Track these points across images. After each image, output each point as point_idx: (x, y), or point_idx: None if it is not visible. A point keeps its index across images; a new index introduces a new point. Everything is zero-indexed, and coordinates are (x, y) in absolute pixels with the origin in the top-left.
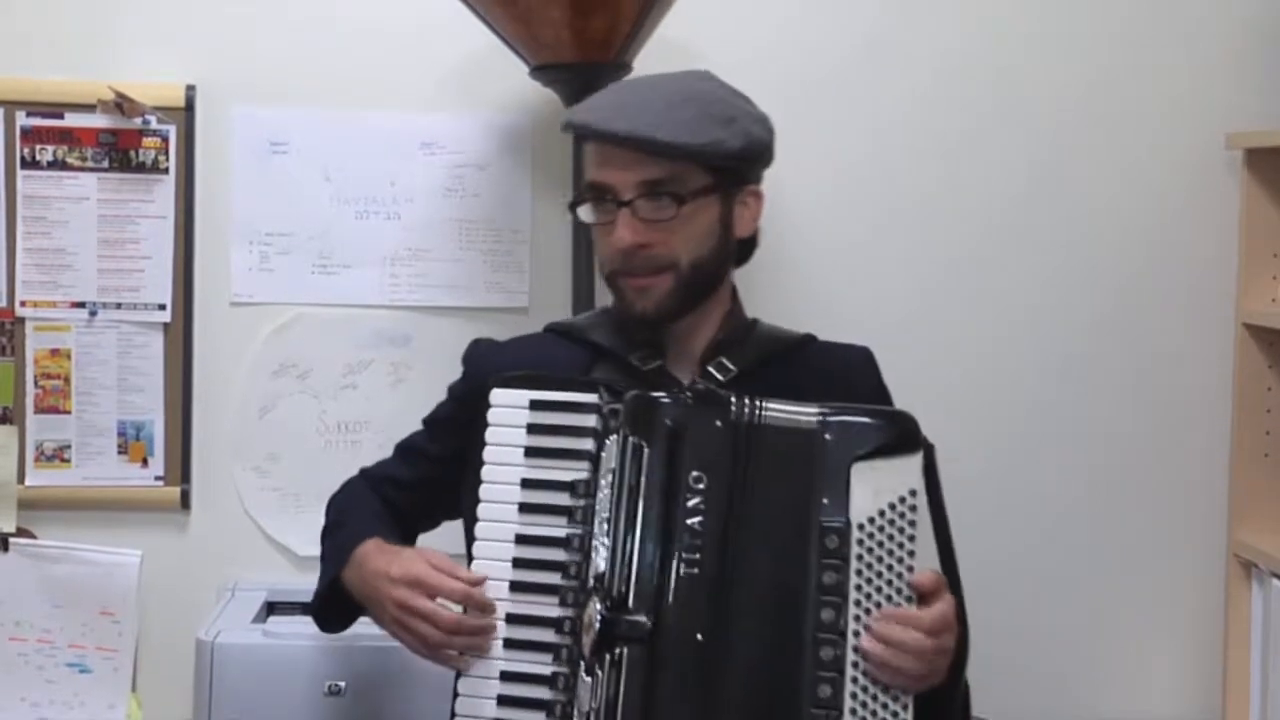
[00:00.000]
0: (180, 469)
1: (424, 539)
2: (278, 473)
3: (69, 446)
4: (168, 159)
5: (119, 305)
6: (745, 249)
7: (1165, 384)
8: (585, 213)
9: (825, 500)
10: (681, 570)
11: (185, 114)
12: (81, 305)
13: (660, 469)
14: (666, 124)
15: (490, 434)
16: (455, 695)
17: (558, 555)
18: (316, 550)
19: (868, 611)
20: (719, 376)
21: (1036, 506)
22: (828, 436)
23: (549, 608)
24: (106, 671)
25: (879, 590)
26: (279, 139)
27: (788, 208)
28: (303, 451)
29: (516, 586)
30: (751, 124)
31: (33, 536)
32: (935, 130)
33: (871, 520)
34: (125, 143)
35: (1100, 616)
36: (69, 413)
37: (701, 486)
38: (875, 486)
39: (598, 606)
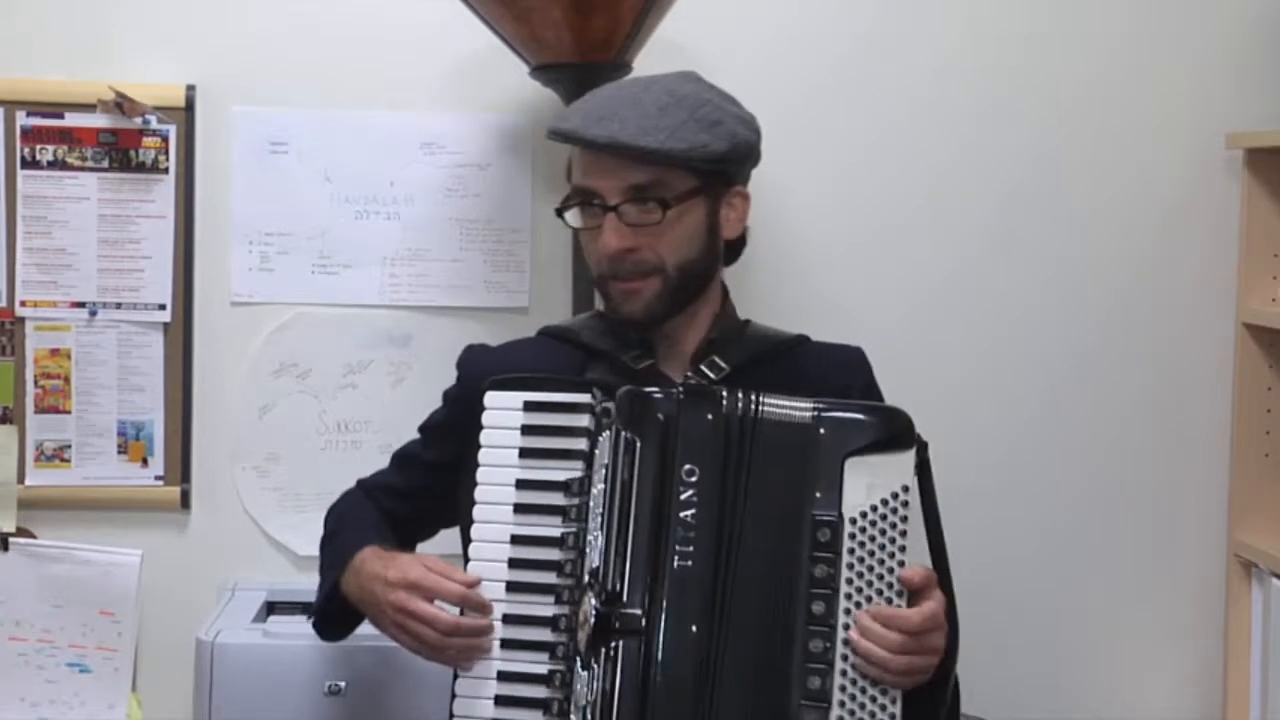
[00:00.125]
0: (180, 469)
1: (420, 546)
2: (278, 473)
3: (69, 446)
4: (168, 159)
5: (119, 305)
6: (734, 249)
7: (1165, 384)
8: (573, 217)
9: (818, 494)
10: (675, 563)
11: (185, 114)
12: (81, 305)
13: (653, 463)
14: (650, 130)
15: (485, 436)
16: (453, 696)
17: (553, 555)
18: (316, 550)
19: (858, 605)
20: (711, 375)
21: (1036, 506)
22: (822, 431)
23: (545, 607)
24: (106, 671)
25: (869, 585)
26: (279, 139)
27: (787, 208)
28: (303, 451)
29: (513, 587)
30: (737, 126)
31: (33, 536)
32: (935, 130)
33: (864, 515)
34: (125, 143)
35: (1100, 616)
36: (69, 413)
37: (694, 480)
38: (868, 482)
39: (592, 601)
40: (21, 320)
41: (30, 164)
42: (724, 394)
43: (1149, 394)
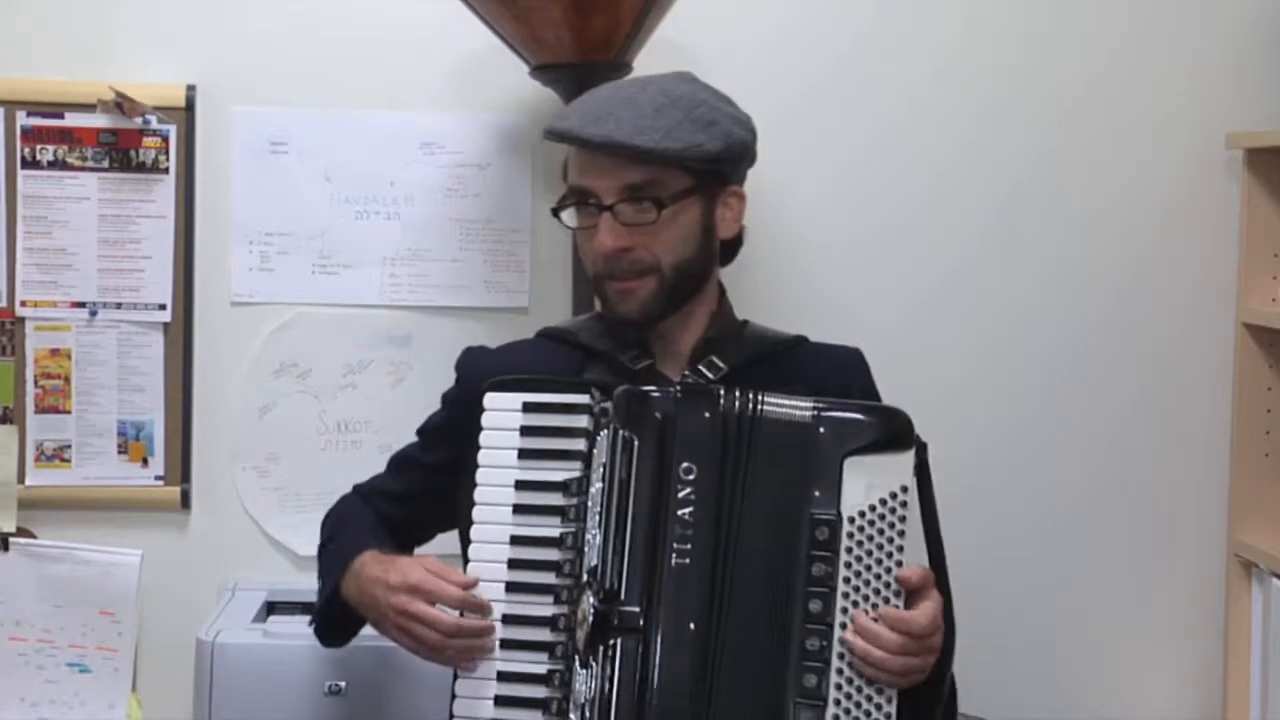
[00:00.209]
0: (180, 469)
1: (419, 549)
2: (278, 473)
3: (69, 446)
4: (168, 159)
5: (119, 305)
6: (730, 249)
7: (1165, 384)
8: (569, 217)
9: (817, 493)
10: (673, 561)
11: (185, 114)
12: (81, 305)
13: (650, 461)
14: (645, 129)
15: (484, 437)
16: (453, 696)
17: (552, 555)
18: (315, 551)
19: (855, 604)
20: (709, 374)
21: (1036, 506)
22: (821, 430)
23: (544, 607)
24: (106, 671)
25: (867, 584)
26: (279, 139)
27: (786, 208)
28: (303, 451)
29: (512, 587)
30: (732, 125)
31: (33, 536)
32: (935, 130)
33: (862, 514)
34: (125, 143)
35: (1100, 616)
36: (69, 413)
37: (691, 478)
38: (867, 481)
39: (591, 600)
40: (22, 320)
41: (30, 164)
42: (721, 392)
43: (1149, 394)
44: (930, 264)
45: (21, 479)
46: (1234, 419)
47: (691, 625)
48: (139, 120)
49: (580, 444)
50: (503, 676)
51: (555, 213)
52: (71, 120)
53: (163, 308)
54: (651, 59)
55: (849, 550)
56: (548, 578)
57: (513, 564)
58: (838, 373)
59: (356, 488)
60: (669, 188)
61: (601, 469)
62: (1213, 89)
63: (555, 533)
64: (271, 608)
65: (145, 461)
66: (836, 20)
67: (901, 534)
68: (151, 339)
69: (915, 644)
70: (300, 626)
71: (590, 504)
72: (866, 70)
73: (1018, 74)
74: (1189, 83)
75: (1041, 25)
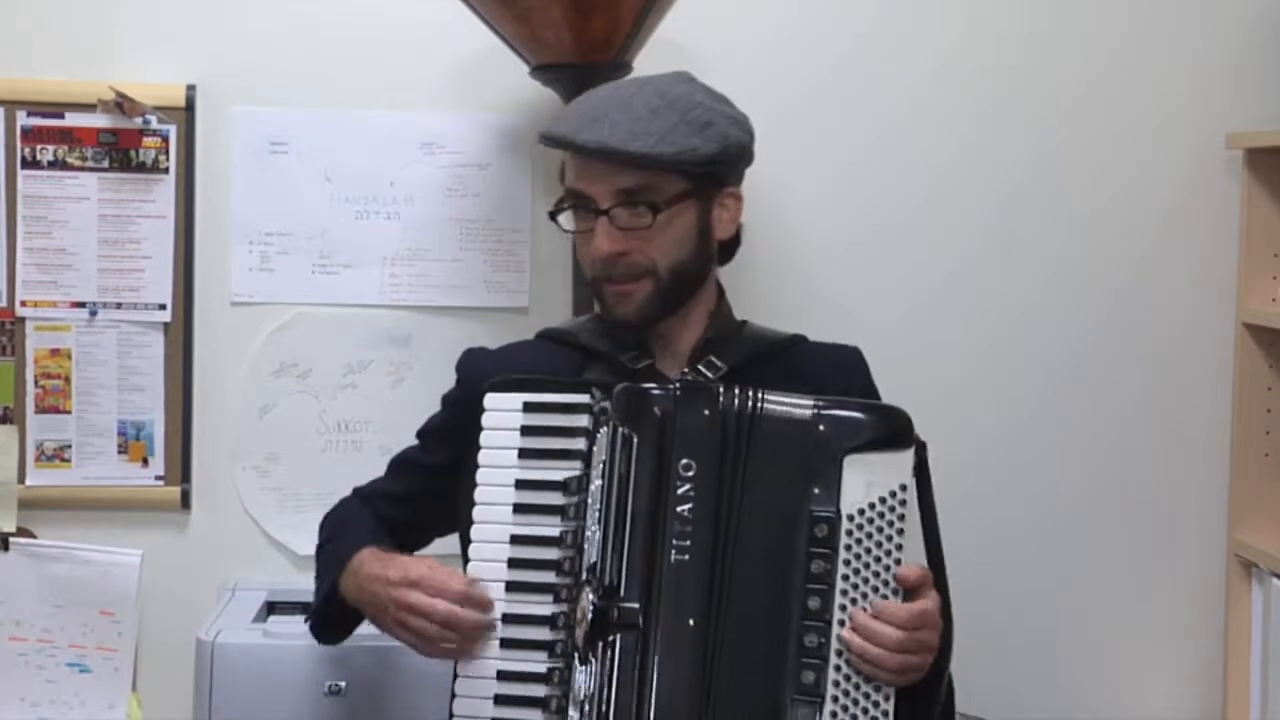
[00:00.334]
0: (180, 469)
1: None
2: (278, 473)
3: (69, 446)
4: (168, 159)
5: (119, 305)
6: (727, 249)
7: (1165, 384)
8: (565, 221)
9: (816, 490)
10: (672, 557)
11: (185, 114)
12: (82, 305)
13: (649, 458)
14: (640, 134)
15: (485, 437)
16: (453, 696)
17: (552, 554)
18: (314, 550)
19: (854, 602)
20: (708, 374)
21: (1036, 506)
22: (821, 428)
23: (544, 605)
24: (106, 671)
25: (865, 581)
26: (279, 139)
27: (786, 208)
28: (303, 451)
29: (512, 586)
30: (729, 127)
31: (33, 536)
32: (934, 130)
33: (861, 512)
34: (125, 143)
35: (1100, 616)
36: (69, 412)
37: (690, 475)
38: (867, 479)
39: (590, 596)
40: (22, 320)
41: (30, 164)
42: (721, 390)
43: (1149, 394)
44: (930, 264)
45: (22, 479)
46: (1234, 419)
47: (690, 621)
48: (139, 120)
49: (580, 443)
50: (502, 675)
51: (553, 216)
52: (71, 120)
53: (163, 308)
54: (651, 59)
55: (848, 548)
56: (548, 576)
57: (513, 563)
58: (837, 372)
59: (356, 490)
60: (664, 192)
61: (601, 466)
62: (1213, 89)
63: (555, 531)
64: (271, 608)
65: (145, 461)
66: (836, 20)
67: (901, 532)
68: (151, 339)
69: (913, 641)
70: (300, 626)
71: (590, 501)
72: (866, 70)
73: (1018, 74)
74: (1189, 83)
75: (1041, 25)
